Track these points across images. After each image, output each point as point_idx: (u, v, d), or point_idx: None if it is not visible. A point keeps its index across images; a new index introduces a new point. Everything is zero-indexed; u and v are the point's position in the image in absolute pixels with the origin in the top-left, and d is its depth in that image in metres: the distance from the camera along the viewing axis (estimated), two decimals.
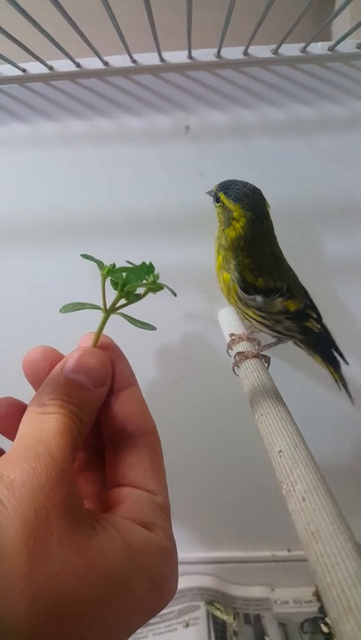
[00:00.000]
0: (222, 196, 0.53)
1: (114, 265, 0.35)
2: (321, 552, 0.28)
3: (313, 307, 0.59)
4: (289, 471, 0.35)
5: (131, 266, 0.36)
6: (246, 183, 0.53)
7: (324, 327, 0.59)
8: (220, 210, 0.54)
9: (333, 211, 0.68)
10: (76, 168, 0.68)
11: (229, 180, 0.53)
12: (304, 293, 0.59)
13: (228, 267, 0.54)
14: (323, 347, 0.59)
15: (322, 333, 0.58)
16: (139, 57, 0.62)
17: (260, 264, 0.53)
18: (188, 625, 0.76)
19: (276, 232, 0.57)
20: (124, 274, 0.35)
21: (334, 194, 0.67)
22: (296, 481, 0.34)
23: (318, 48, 0.61)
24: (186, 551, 0.85)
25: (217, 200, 0.54)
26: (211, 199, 0.57)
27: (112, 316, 0.36)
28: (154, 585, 0.27)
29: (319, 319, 0.59)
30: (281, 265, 0.56)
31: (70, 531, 0.24)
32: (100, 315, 0.35)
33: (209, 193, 0.56)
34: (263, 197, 0.53)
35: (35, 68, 0.63)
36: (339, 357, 0.61)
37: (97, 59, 0.61)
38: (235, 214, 0.52)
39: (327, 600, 0.26)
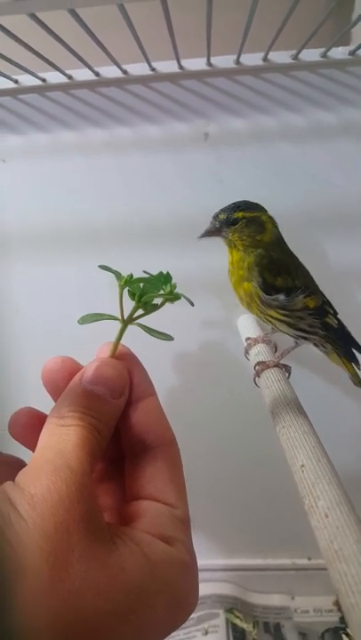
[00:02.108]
0: (241, 214, 0.55)
1: (131, 275, 0.35)
2: (345, 571, 0.28)
3: (329, 303, 0.60)
4: (311, 487, 0.34)
5: (148, 276, 0.36)
6: (239, 201, 0.56)
7: (340, 322, 0.60)
8: (242, 227, 0.55)
9: (355, 216, 0.67)
10: (95, 176, 0.68)
11: (227, 206, 0.56)
12: (320, 291, 0.60)
13: (251, 275, 0.55)
14: (342, 341, 0.60)
15: (340, 328, 0.59)
16: (157, 65, 0.62)
17: (277, 263, 0.55)
18: (207, 632, 0.76)
19: (298, 237, 0.59)
20: (141, 284, 0.35)
21: (356, 198, 0.67)
22: (319, 497, 0.33)
23: (339, 53, 0.61)
24: (205, 558, 0.84)
25: (233, 223, 0.55)
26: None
27: (130, 325, 0.36)
28: (174, 600, 0.27)
29: (335, 315, 0.60)
30: (297, 263, 0.58)
31: (90, 546, 0.24)
32: (118, 323, 0.35)
33: (210, 233, 0.57)
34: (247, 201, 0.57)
35: (54, 77, 0.64)
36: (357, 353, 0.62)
37: (116, 67, 0.61)
38: (263, 217, 0.56)
39: (351, 621, 0.26)
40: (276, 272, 0.54)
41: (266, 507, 0.82)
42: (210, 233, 0.57)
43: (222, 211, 0.56)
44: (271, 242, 0.56)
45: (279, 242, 0.57)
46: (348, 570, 0.28)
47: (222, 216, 0.55)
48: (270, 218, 0.57)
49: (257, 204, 0.56)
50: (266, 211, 0.57)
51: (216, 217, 0.56)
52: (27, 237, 0.71)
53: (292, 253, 0.58)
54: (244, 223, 0.55)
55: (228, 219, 0.55)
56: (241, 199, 0.67)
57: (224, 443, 0.79)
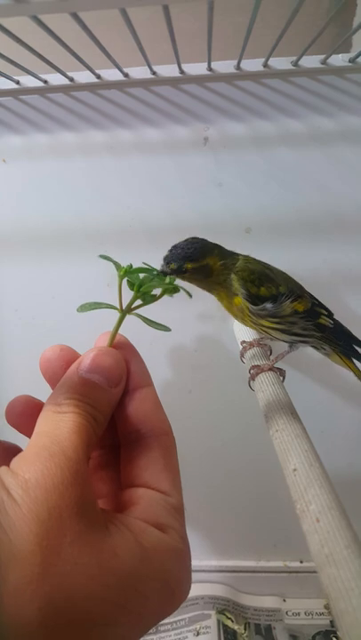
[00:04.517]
0: (190, 265, 0.53)
1: (131, 266, 0.36)
2: (335, 576, 0.28)
3: (321, 305, 0.61)
4: (303, 491, 0.35)
5: (148, 267, 0.36)
6: (186, 242, 0.55)
7: (337, 322, 0.60)
8: (191, 275, 0.54)
9: (354, 222, 0.68)
10: (96, 178, 0.69)
11: (177, 255, 0.54)
12: (308, 294, 0.60)
13: (236, 289, 0.56)
14: (341, 340, 0.60)
15: (337, 327, 0.60)
16: (158, 69, 0.63)
17: (256, 272, 0.56)
18: (198, 633, 0.76)
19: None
20: (141, 275, 0.35)
21: (355, 205, 0.67)
22: (310, 501, 0.34)
23: (339, 60, 0.61)
24: (198, 559, 0.85)
25: (184, 272, 0.54)
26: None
27: (128, 321, 0.36)
28: (166, 587, 0.27)
29: (330, 315, 0.60)
30: (273, 269, 0.58)
31: (84, 531, 0.24)
32: (117, 315, 0.36)
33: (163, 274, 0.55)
34: (199, 239, 0.55)
35: (56, 79, 0.64)
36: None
37: (117, 70, 0.62)
38: (210, 262, 0.55)
39: (341, 625, 0.26)
40: (258, 282, 0.55)
41: (259, 509, 0.82)
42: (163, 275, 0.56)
43: (173, 260, 0.54)
44: (221, 269, 0.55)
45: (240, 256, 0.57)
46: (339, 575, 0.28)
47: (173, 266, 0.54)
48: (216, 256, 0.55)
49: (205, 249, 0.55)
50: (213, 250, 0.56)
51: (167, 265, 0.54)
52: (26, 237, 0.71)
53: (262, 262, 0.58)
54: (193, 271, 0.54)
55: (180, 268, 0.54)
56: (239, 203, 0.67)
57: (219, 445, 0.79)
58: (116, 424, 0.36)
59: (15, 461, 0.27)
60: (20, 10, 0.39)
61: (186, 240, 0.55)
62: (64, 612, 0.22)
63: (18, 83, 0.65)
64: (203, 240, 0.55)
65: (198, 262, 0.55)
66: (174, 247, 0.55)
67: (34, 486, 0.24)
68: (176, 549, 0.28)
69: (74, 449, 0.27)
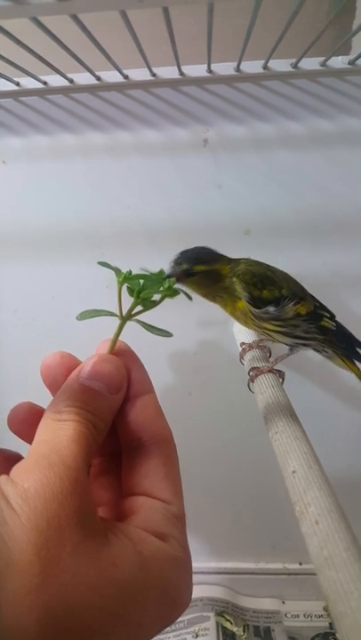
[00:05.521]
0: (202, 267, 0.54)
1: (130, 272, 0.35)
2: (334, 579, 0.28)
3: (323, 307, 0.60)
4: (303, 493, 0.35)
5: (147, 273, 0.36)
6: (196, 247, 0.56)
7: (339, 324, 0.60)
8: (199, 279, 0.55)
9: (354, 224, 0.68)
10: (95, 180, 0.69)
11: (189, 255, 0.55)
12: (311, 296, 0.60)
13: (239, 293, 0.56)
14: (344, 343, 0.60)
15: (339, 330, 0.59)
16: (158, 70, 0.63)
17: (258, 276, 0.56)
18: (197, 636, 0.76)
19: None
20: (140, 281, 0.35)
21: (355, 207, 0.67)
22: (310, 503, 0.34)
23: (338, 62, 0.61)
24: (197, 561, 0.84)
25: (191, 274, 0.54)
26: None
27: (128, 326, 0.36)
28: (166, 597, 0.27)
29: (332, 317, 0.60)
30: (275, 271, 0.58)
31: (83, 541, 0.24)
32: (117, 322, 0.36)
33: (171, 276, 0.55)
34: (208, 248, 0.57)
35: (55, 80, 0.64)
36: None
37: (117, 72, 0.62)
38: (219, 268, 0.56)
39: (340, 628, 0.26)
40: (260, 285, 0.55)
41: (258, 510, 0.82)
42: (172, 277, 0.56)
43: (184, 260, 0.55)
44: (229, 275, 0.56)
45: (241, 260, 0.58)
46: (338, 577, 0.28)
47: (184, 266, 0.54)
48: (225, 263, 0.57)
49: (216, 255, 0.57)
50: (223, 258, 0.57)
51: (179, 264, 0.55)
52: (26, 238, 0.71)
53: (263, 264, 0.58)
54: (202, 275, 0.55)
55: (188, 270, 0.54)
56: (239, 205, 0.67)
57: (219, 446, 0.79)
58: (117, 431, 0.35)
59: (15, 470, 0.27)
60: (20, 11, 0.39)
61: (195, 247, 0.56)
62: (62, 622, 0.22)
63: (18, 84, 0.65)
64: (212, 249, 0.57)
65: (209, 265, 0.55)
66: (184, 251, 0.55)
67: (33, 496, 0.24)
68: (176, 558, 0.28)
69: (73, 457, 0.27)
